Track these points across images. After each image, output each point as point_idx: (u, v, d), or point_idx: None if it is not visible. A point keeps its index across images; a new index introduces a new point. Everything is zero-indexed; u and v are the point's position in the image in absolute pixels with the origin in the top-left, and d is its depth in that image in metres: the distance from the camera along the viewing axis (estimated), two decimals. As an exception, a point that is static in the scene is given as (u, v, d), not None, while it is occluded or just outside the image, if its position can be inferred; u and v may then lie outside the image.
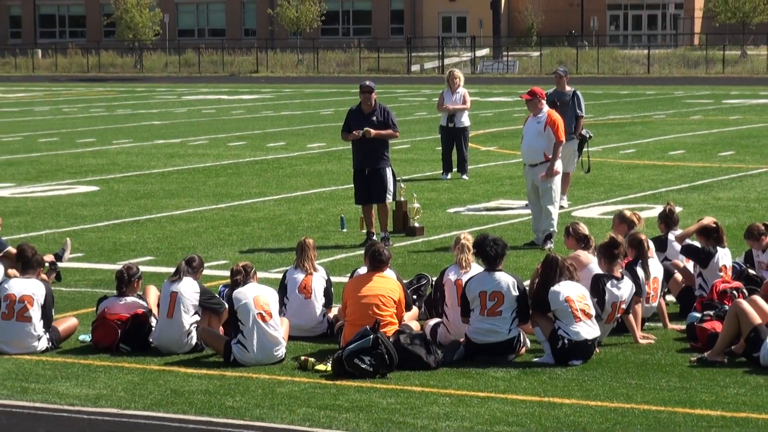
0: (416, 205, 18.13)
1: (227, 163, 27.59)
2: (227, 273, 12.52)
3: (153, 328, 11.76)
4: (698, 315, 11.89)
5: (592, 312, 11.30)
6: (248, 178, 24.94)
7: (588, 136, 20.70)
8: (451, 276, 11.81)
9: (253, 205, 21.16)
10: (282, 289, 12.28)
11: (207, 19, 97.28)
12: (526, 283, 11.78)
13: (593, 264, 12.07)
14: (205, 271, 12.44)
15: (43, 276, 12.77)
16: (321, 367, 10.96)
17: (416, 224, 17.98)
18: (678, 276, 13.14)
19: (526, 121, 17.25)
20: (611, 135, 33.26)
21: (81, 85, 66.97)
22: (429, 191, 22.42)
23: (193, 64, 79.92)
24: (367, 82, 17.23)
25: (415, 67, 75.97)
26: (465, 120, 24.81)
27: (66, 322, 12.02)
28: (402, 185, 18.31)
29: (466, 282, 11.45)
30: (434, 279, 12.60)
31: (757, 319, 11.02)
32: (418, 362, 10.95)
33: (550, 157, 16.82)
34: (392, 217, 17.78)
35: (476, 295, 11.28)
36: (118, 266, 13.06)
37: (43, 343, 11.66)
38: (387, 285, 11.54)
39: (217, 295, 12.09)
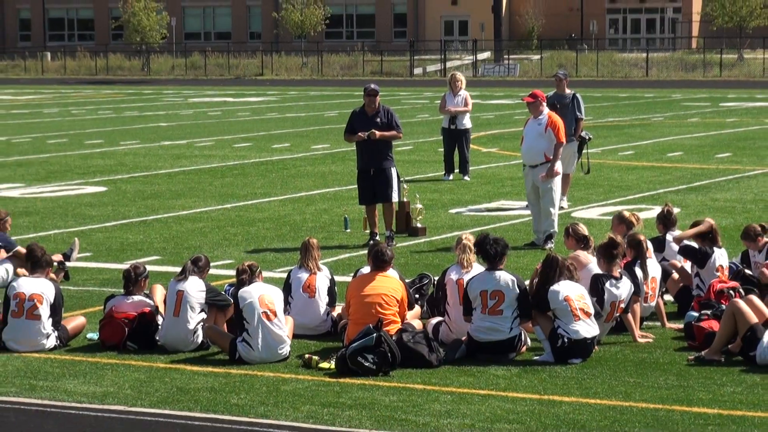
0: (418, 205, 18.16)
1: (233, 164, 27.62)
2: (233, 272, 12.51)
3: (159, 327, 11.80)
4: (696, 314, 11.90)
5: (591, 311, 11.34)
6: (253, 178, 24.96)
7: (587, 138, 20.70)
8: (453, 276, 11.85)
9: (258, 206, 21.20)
10: (286, 288, 12.30)
11: (213, 22, 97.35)
12: (527, 282, 11.83)
13: (592, 264, 12.11)
14: (211, 271, 12.46)
15: (52, 275, 12.78)
16: (325, 365, 10.99)
17: (418, 225, 18.02)
18: (676, 276, 13.19)
19: (527, 123, 17.28)
20: (610, 137, 33.25)
21: (89, 87, 66.90)
22: (431, 192, 22.46)
23: (200, 67, 79.94)
24: (372, 86, 17.24)
25: (417, 70, 75.93)
26: (466, 122, 24.83)
27: (74, 321, 12.06)
28: (405, 186, 18.36)
29: (468, 281, 11.49)
30: (436, 278, 12.62)
31: (754, 319, 11.06)
32: (420, 360, 10.98)
33: (551, 158, 16.93)
34: (395, 217, 17.81)
35: (477, 294, 11.33)
36: (125, 266, 13.08)
37: (51, 341, 11.71)
38: (390, 284, 11.58)
39: (222, 293, 12.12)
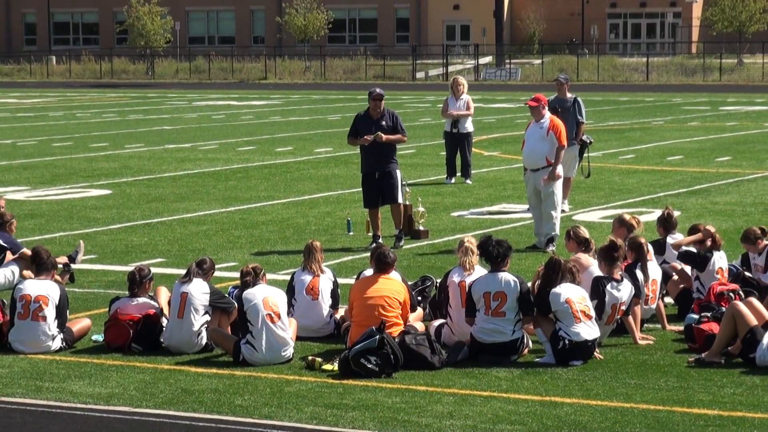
0: (421, 208, 18.17)
1: (236, 168, 27.63)
2: (237, 275, 12.53)
3: (164, 329, 11.83)
4: (696, 316, 11.92)
5: (592, 313, 11.37)
6: (257, 182, 24.98)
7: (588, 141, 20.72)
8: (455, 278, 11.87)
9: (261, 209, 21.22)
10: (290, 290, 12.33)
11: (217, 26, 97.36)
12: (529, 284, 11.89)
13: (593, 267, 12.14)
14: (215, 273, 12.42)
15: (57, 277, 12.78)
16: (328, 366, 11.01)
17: (421, 227, 18.04)
18: (676, 278, 13.20)
19: (528, 127, 17.31)
20: (611, 141, 33.24)
21: (94, 91, 66.85)
22: (433, 195, 22.49)
23: (204, 71, 79.93)
24: (378, 90, 17.21)
25: (419, 74, 75.92)
26: (468, 126, 24.88)
27: (79, 323, 12.09)
28: (407, 189, 18.40)
29: (472, 283, 11.52)
30: (438, 281, 12.62)
31: (753, 321, 11.09)
32: (422, 362, 11.01)
33: (552, 161, 16.93)
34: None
35: (480, 295, 11.37)
36: (130, 268, 13.11)
37: (57, 343, 11.74)
38: (392, 287, 11.60)
39: (226, 295, 12.15)
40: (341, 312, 12.40)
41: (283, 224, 19.52)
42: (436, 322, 12.12)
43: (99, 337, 12.13)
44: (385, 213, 17.83)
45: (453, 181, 24.63)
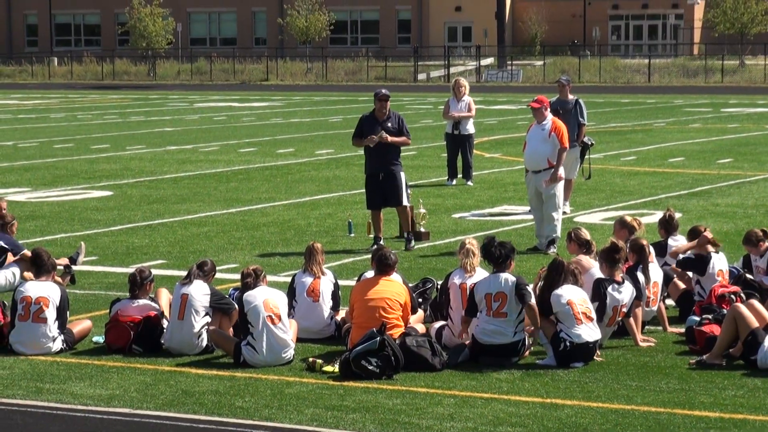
0: (422, 210, 18.16)
1: (238, 169, 27.63)
2: (238, 276, 12.52)
3: (165, 330, 11.83)
4: (697, 318, 11.93)
5: (594, 315, 11.37)
6: (258, 183, 24.97)
7: (590, 143, 20.73)
8: (456, 280, 11.88)
9: (263, 210, 21.21)
10: (291, 292, 12.35)
11: (219, 28, 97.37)
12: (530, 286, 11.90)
13: (595, 268, 12.14)
14: (216, 275, 12.44)
15: (58, 279, 12.81)
16: (328, 368, 11.02)
17: (422, 229, 18.00)
18: (677, 280, 13.20)
19: (530, 128, 17.31)
20: (612, 142, 33.23)
21: (96, 92, 66.87)
22: (434, 197, 22.48)
23: (205, 72, 79.94)
24: (384, 91, 17.21)
25: (421, 76, 75.91)
26: (470, 127, 24.89)
27: (80, 324, 12.10)
28: (408, 191, 18.40)
29: (475, 284, 11.53)
30: (439, 283, 12.63)
31: (755, 323, 11.09)
32: (423, 364, 11.01)
33: (554, 163, 16.92)
34: (399, 222, 17.85)
35: (482, 296, 11.38)
36: (131, 269, 13.10)
37: (57, 344, 11.74)
38: (393, 288, 11.61)
39: (227, 297, 12.16)
40: (342, 314, 12.39)
41: (284, 226, 19.51)
42: (437, 324, 12.12)
43: (100, 339, 12.14)
44: (386, 215, 17.80)
45: (454, 182, 24.63)
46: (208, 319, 11.76)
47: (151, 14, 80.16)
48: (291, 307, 12.15)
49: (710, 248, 13.07)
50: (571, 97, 20.69)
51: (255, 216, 20.62)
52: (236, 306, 11.67)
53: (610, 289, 11.70)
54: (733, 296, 12.27)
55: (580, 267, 11.97)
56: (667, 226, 13.87)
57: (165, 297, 12.31)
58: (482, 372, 10.98)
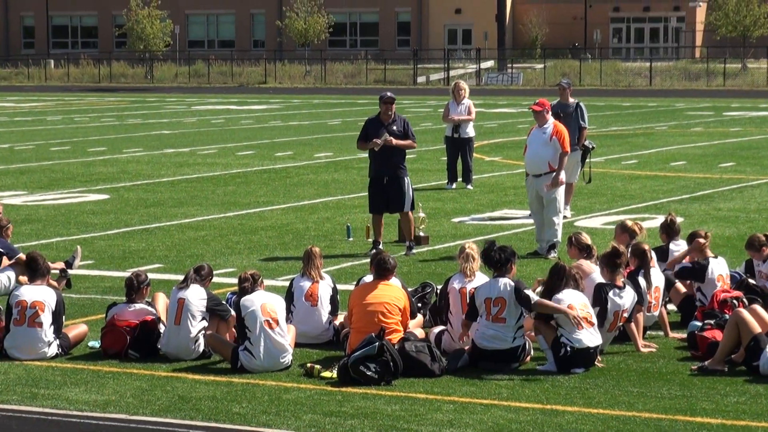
0: (421, 214, 18.12)
1: (235, 172, 27.61)
2: (235, 281, 12.53)
3: (161, 335, 11.79)
4: (699, 324, 11.92)
5: (594, 320, 11.34)
6: (256, 187, 24.95)
7: (591, 147, 20.71)
8: (456, 284, 11.86)
9: (260, 214, 21.18)
10: (289, 296, 12.31)
11: (217, 30, 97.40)
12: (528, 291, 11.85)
13: (595, 273, 12.12)
14: (213, 279, 12.43)
15: (54, 283, 12.78)
16: (327, 374, 10.99)
17: (421, 233, 17.95)
18: (679, 285, 13.17)
19: (531, 132, 17.27)
20: (614, 146, 33.25)
21: (93, 95, 66.96)
22: (434, 201, 22.47)
23: (203, 75, 79.98)
24: (389, 93, 17.17)
25: (421, 79, 75.96)
26: (470, 131, 24.88)
27: (76, 329, 12.06)
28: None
29: (476, 289, 11.51)
30: (439, 287, 12.62)
31: (757, 329, 11.06)
32: (422, 369, 10.99)
33: (555, 167, 16.86)
34: (399, 226, 17.81)
35: (482, 301, 11.36)
36: (127, 273, 13.03)
37: (53, 349, 11.70)
38: (392, 293, 11.59)
39: (224, 302, 12.13)
40: (340, 318, 12.37)
41: (282, 230, 19.48)
42: (437, 329, 12.10)
43: (95, 344, 12.09)
44: (386, 219, 17.72)
45: (454, 186, 24.60)
46: (205, 323, 11.73)
47: (149, 16, 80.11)
48: (289, 311, 12.12)
49: (708, 253, 13.00)
50: (571, 100, 20.65)
51: (253, 220, 20.59)
52: (233, 312, 11.63)
53: (611, 294, 11.67)
54: (735, 301, 12.25)
55: (580, 272, 11.95)
56: (669, 230, 13.83)
57: (162, 301, 12.28)
58: (482, 378, 10.96)
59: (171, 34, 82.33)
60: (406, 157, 17.28)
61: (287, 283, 12.93)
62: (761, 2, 76.07)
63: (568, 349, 11.12)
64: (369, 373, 10.72)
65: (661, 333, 12.47)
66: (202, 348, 11.67)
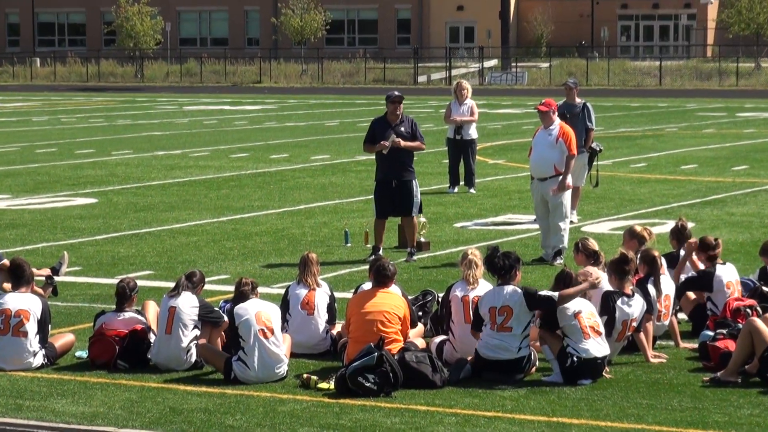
0: (422, 219, 18.00)
1: (229, 176, 27.60)
2: (228, 288, 12.68)
3: (152, 345, 11.70)
4: (711, 333, 11.82)
5: (602, 329, 11.26)
6: (250, 190, 24.92)
7: (598, 149, 20.72)
8: (458, 292, 11.77)
9: (255, 219, 21.12)
10: (284, 304, 12.23)
11: (209, 27, 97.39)
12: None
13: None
14: (206, 286, 12.40)
15: (39, 290, 12.78)
16: (324, 385, 10.91)
17: (422, 239, 17.82)
18: (690, 293, 13.04)
19: (536, 133, 17.18)
20: (622, 148, 33.31)
21: (80, 94, 67.18)
22: (435, 205, 22.38)
23: (195, 74, 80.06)
24: (396, 92, 17.09)
25: (421, 78, 76.07)
26: (472, 132, 24.81)
27: (62, 338, 11.97)
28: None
29: (480, 298, 11.44)
30: (440, 295, 12.54)
31: (772, 338, 10.98)
32: (423, 380, 10.91)
33: (561, 170, 16.74)
34: (399, 232, 17.69)
35: (487, 310, 11.26)
36: (116, 281, 12.99)
37: (38, 360, 11.60)
38: (392, 301, 11.50)
39: (216, 309, 12.03)
40: (338, 328, 12.28)
41: (277, 235, 19.39)
42: (438, 339, 12.02)
43: (83, 354, 12.00)
44: (387, 224, 17.52)
45: (456, 190, 24.53)
46: (197, 332, 11.63)
47: (139, 13, 79.99)
48: (284, 320, 12.01)
49: (705, 256, 12.89)
50: (578, 100, 20.60)
51: (247, 225, 20.50)
52: (226, 318, 11.55)
53: (619, 302, 11.54)
54: (748, 310, 12.16)
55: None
56: (680, 236, 13.69)
57: (152, 310, 12.19)
58: (485, 389, 10.87)
59: (162, 32, 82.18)
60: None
61: (283, 291, 12.83)
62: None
63: (575, 359, 11.03)
64: (368, 384, 10.64)
65: (672, 343, 12.37)
66: (194, 358, 11.59)
